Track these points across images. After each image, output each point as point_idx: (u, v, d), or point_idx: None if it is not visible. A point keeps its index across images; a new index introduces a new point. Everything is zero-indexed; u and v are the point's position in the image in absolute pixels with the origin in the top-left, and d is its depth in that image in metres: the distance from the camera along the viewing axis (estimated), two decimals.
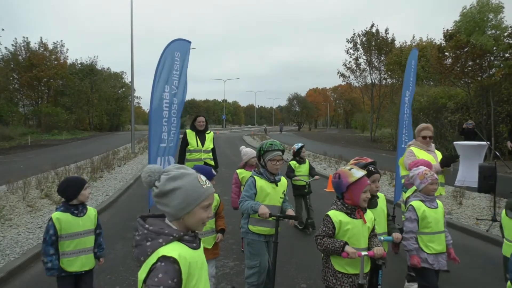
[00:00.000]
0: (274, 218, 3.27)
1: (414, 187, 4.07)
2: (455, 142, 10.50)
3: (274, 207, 3.41)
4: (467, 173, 9.15)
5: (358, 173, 2.63)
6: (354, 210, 2.66)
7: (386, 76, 34.45)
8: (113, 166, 13.83)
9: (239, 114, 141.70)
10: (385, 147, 27.80)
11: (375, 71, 35.06)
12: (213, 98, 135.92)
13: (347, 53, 36.02)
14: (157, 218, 1.56)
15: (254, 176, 3.48)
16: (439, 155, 4.64)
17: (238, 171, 5.00)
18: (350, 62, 36.19)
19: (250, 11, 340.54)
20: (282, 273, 4.58)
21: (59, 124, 38.24)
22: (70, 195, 3.03)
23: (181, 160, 6.42)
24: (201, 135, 6.42)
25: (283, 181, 3.62)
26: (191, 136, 6.41)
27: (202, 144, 6.38)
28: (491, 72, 20.01)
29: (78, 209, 3.07)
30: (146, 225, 1.50)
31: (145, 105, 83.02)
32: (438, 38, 58.79)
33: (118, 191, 9.68)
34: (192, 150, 6.37)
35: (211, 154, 6.48)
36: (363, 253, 2.58)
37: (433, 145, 4.72)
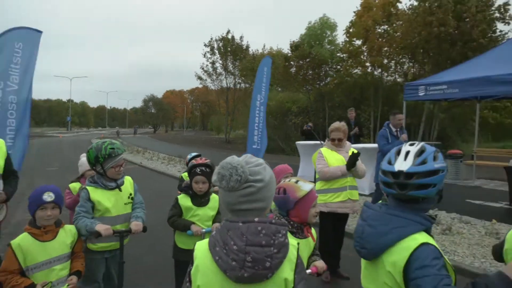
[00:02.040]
0: (118, 234, 2.80)
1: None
2: (297, 142, 11.84)
3: (120, 216, 2.89)
4: (306, 169, 10.46)
5: (307, 185, 2.17)
6: (301, 229, 2.23)
7: (240, 81, 36.04)
8: None
9: (88, 115, 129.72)
10: (238, 148, 28.93)
11: (230, 76, 36.32)
12: (56, 98, 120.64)
13: (205, 57, 36.40)
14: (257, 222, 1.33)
15: (87, 188, 2.84)
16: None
17: (70, 186, 3.82)
18: (207, 65, 36.69)
19: (103, 10, 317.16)
20: None
21: None
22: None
23: None
24: None
25: (128, 181, 3.01)
26: None
27: None
28: (326, 81, 22.97)
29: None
30: None
31: None
32: (286, 48, 64.93)
33: None
34: None
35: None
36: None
37: (348, 143, 4.33)
